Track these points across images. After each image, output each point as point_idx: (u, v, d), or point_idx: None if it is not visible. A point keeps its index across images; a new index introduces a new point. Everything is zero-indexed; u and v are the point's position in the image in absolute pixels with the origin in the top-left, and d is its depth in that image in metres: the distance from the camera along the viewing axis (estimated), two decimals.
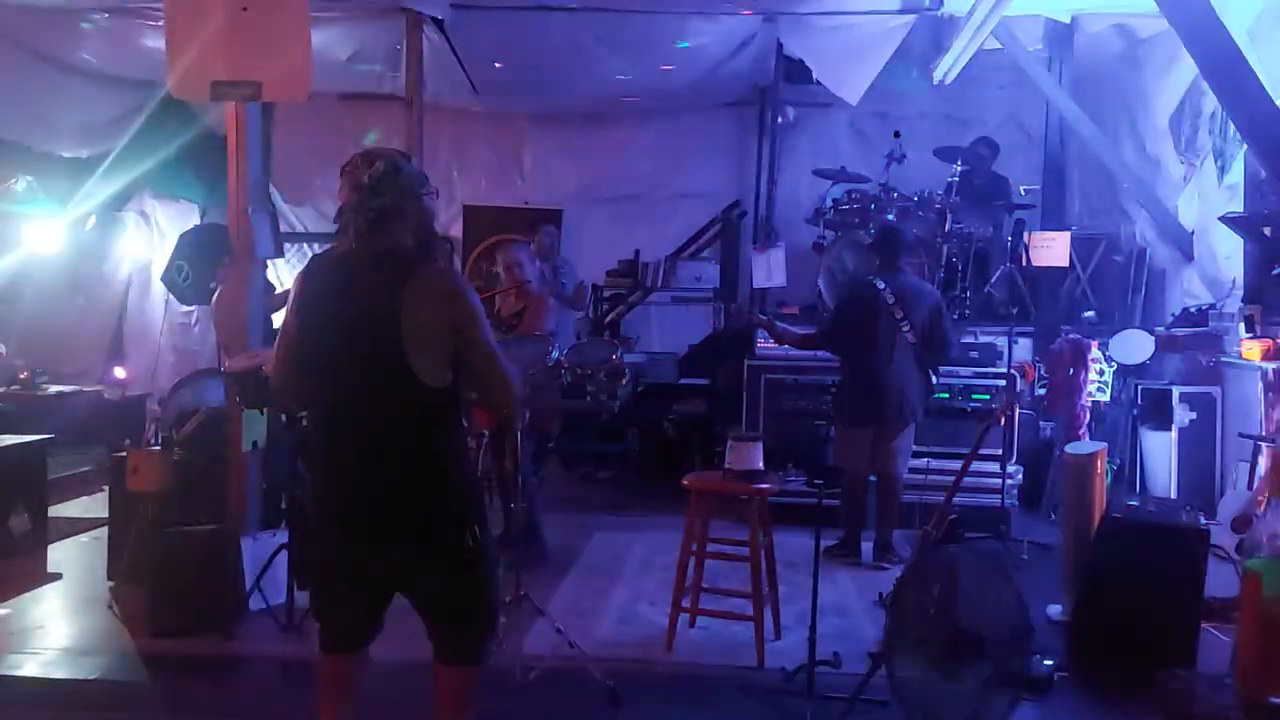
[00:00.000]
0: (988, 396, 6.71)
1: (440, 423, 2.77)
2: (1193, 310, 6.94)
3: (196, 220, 9.49)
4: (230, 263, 5.21)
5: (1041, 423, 7.27)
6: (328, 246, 2.88)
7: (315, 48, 4.76)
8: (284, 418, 4.58)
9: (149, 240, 9.97)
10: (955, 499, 4.55)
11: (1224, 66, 5.04)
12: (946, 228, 7.48)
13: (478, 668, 2.93)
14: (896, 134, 7.67)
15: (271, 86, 4.74)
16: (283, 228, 8.09)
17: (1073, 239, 7.76)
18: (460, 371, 2.77)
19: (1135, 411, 6.77)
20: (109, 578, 5.21)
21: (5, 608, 4.98)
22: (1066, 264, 7.75)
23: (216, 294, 5.96)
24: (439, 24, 7.12)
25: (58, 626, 4.81)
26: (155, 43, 5.76)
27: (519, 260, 5.88)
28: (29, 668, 4.27)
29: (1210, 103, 6.66)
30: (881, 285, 5.88)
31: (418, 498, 2.73)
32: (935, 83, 8.19)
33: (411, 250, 2.78)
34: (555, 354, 4.04)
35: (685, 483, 4.61)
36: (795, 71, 8.28)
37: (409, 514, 2.72)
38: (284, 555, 4.73)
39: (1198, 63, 5.36)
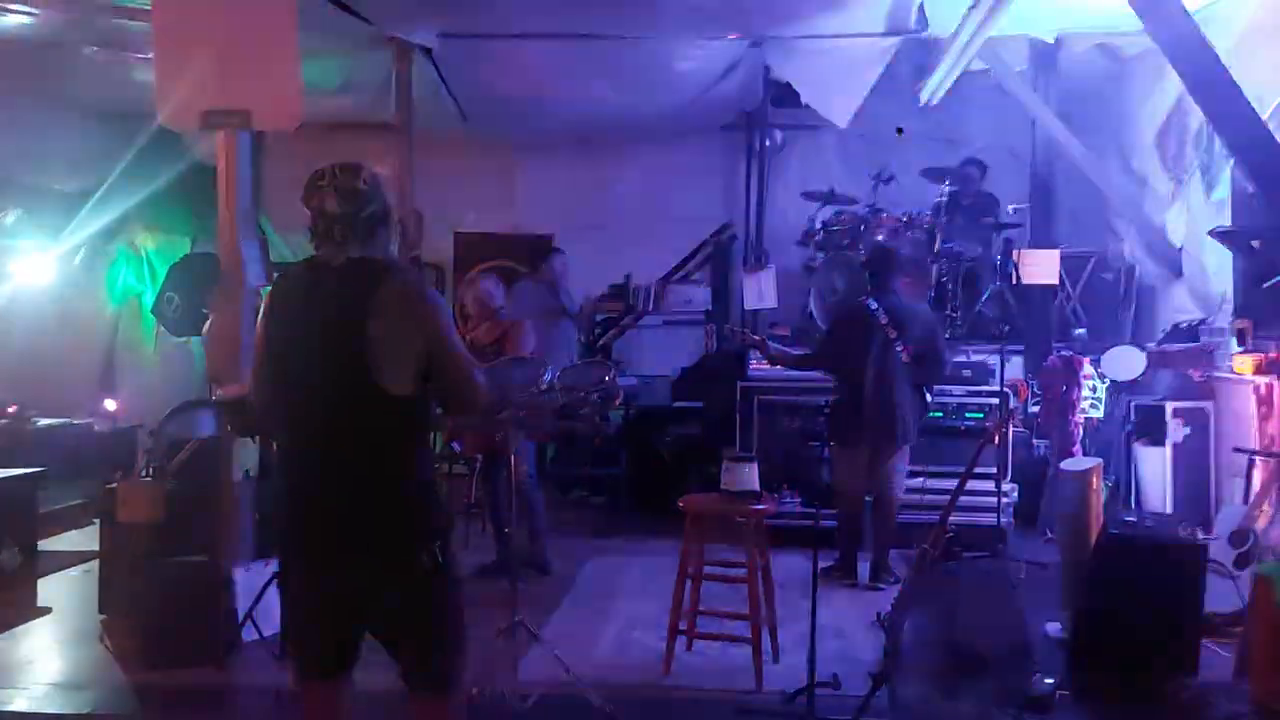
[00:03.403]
0: (981, 415, 6.71)
1: (404, 436, 2.72)
2: (1183, 326, 6.96)
3: (186, 251, 9.47)
4: (220, 291, 5.20)
5: (1035, 440, 7.28)
6: (301, 259, 2.85)
7: (305, 77, 4.78)
8: (274, 445, 4.56)
9: (139, 272, 9.95)
10: (952, 518, 4.54)
11: (1210, 83, 5.08)
12: (936, 247, 7.50)
13: (451, 696, 2.83)
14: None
15: (261, 115, 4.75)
16: (273, 256, 8.09)
17: (1062, 257, 7.77)
18: (428, 384, 2.73)
19: (1129, 428, 6.77)
20: (100, 611, 5.17)
21: None
22: (1056, 282, 7.76)
23: (208, 323, 5.95)
24: (427, 53, 7.15)
25: (49, 661, 4.77)
26: (145, 76, 5.77)
27: (488, 291, 5.96)
28: (19, 703, 4.22)
29: (1195, 119, 6.71)
30: (874, 305, 5.90)
31: (374, 513, 2.67)
32: (922, 104, 8.23)
33: (391, 260, 2.77)
34: (549, 376, 4.04)
35: (681, 504, 4.59)
36: (783, 95, 8.31)
37: (365, 530, 2.67)
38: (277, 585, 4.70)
39: (1184, 80, 5.40)
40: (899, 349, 5.82)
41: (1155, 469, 6.51)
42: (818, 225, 8.03)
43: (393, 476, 2.70)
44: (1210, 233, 6.39)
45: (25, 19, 6.27)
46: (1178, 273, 7.32)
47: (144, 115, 7.27)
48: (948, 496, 4.65)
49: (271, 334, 2.79)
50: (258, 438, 4.80)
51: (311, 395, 2.71)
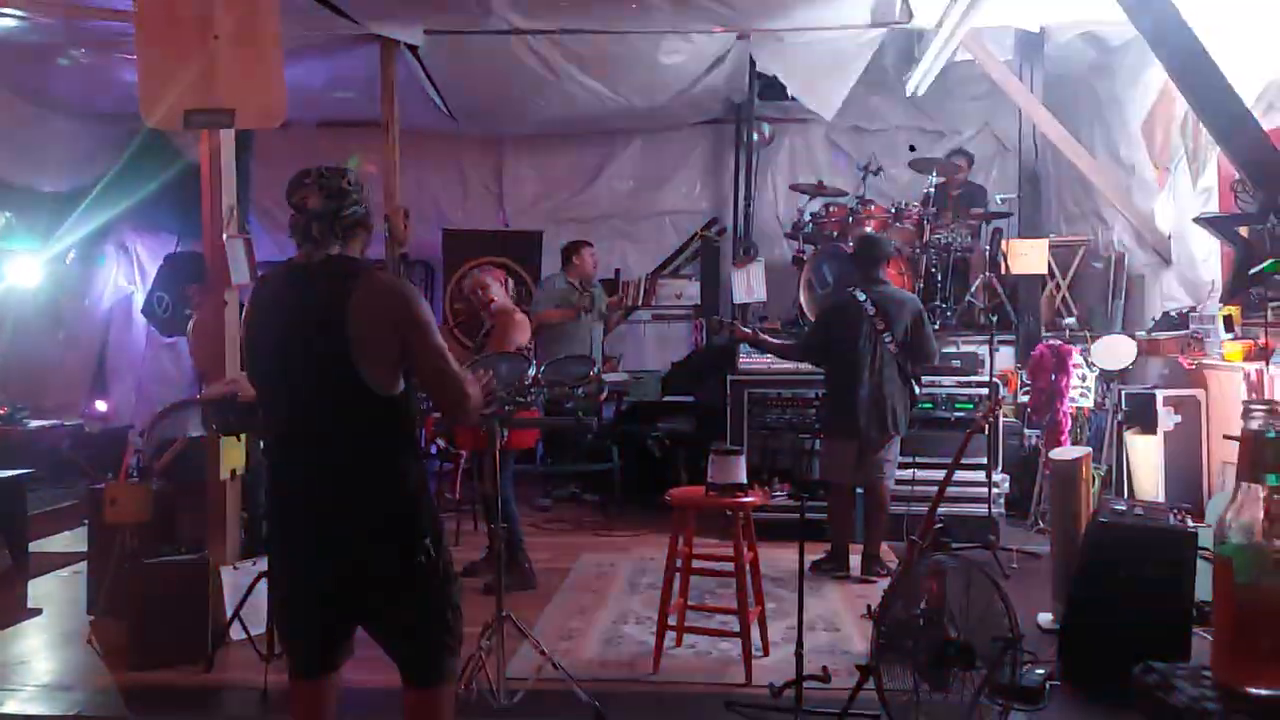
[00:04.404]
0: (971, 405, 6.71)
1: (389, 433, 2.73)
2: (1173, 314, 6.96)
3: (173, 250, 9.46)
4: (204, 290, 5.19)
5: (1026, 430, 7.28)
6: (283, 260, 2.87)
7: (291, 76, 4.76)
8: (261, 444, 4.55)
9: (129, 273, 9.94)
10: (942, 509, 4.53)
11: (1193, 70, 5.06)
12: (924, 238, 7.50)
13: (442, 688, 2.85)
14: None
15: (245, 113, 4.72)
16: (262, 254, 8.08)
17: (1050, 246, 7.79)
18: (411, 381, 2.76)
19: (1120, 416, 6.77)
20: (89, 612, 5.16)
21: None
22: (1045, 271, 7.79)
23: (192, 322, 5.95)
24: (413, 50, 7.14)
25: (38, 662, 4.75)
26: (133, 77, 5.77)
27: (484, 283, 5.98)
28: (9, 704, 4.21)
29: (1181, 107, 6.70)
30: (862, 296, 5.89)
31: (360, 511, 2.69)
32: (908, 95, 8.23)
33: (364, 260, 2.80)
34: (532, 370, 4.03)
35: (668, 498, 4.58)
36: (770, 88, 8.32)
37: (351, 527, 2.69)
38: (264, 584, 4.67)
39: (1168, 68, 5.38)
40: (887, 340, 5.82)
41: (1147, 457, 6.51)
42: (806, 218, 8.03)
43: (378, 474, 2.71)
44: (1197, 219, 6.39)
45: (14, 22, 6.25)
46: (1167, 260, 7.32)
47: (133, 116, 7.29)
48: (938, 487, 4.64)
49: (254, 334, 2.81)
50: (243, 437, 4.79)
51: (295, 394, 2.72)
